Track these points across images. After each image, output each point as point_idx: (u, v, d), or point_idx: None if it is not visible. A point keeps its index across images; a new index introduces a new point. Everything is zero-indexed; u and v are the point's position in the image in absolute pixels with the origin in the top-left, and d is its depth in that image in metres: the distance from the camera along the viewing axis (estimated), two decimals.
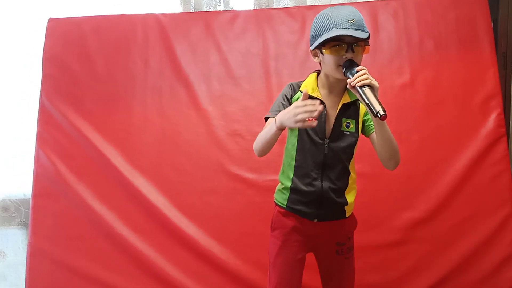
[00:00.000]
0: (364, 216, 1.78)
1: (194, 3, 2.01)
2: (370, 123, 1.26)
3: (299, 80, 1.31)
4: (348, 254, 1.31)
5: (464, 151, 1.83)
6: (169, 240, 1.83)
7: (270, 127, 1.17)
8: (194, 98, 1.92)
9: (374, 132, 1.21)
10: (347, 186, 1.28)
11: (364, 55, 1.84)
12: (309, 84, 1.26)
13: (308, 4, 1.99)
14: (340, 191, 1.26)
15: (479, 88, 1.87)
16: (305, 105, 1.06)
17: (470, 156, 1.82)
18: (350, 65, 1.13)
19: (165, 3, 2.06)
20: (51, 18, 1.97)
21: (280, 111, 1.19)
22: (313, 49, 1.21)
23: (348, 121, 1.24)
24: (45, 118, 1.92)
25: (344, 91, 1.25)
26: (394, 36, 1.91)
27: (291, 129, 1.27)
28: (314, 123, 1.08)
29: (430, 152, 1.83)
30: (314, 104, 1.06)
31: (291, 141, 1.29)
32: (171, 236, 1.83)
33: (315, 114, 1.05)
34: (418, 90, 1.87)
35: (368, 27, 1.86)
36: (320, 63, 1.24)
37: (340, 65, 1.16)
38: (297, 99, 1.23)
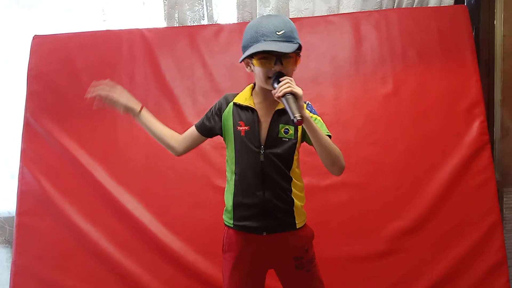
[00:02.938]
0: (352, 227, 1.80)
1: (178, 17, 2.02)
2: None
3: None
4: (309, 267, 1.27)
5: (449, 160, 1.83)
6: (155, 256, 1.81)
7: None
8: (179, 112, 1.92)
9: None
10: (291, 191, 1.25)
11: (347, 65, 1.90)
12: (243, 95, 1.27)
13: (291, 16, 2.00)
14: (285, 197, 1.24)
15: (462, 96, 1.89)
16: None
17: (455, 164, 1.83)
18: (277, 77, 1.13)
19: (150, 18, 2.07)
20: (36, 35, 1.97)
21: (202, 123, 1.31)
22: (243, 60, 1.21)
23: (287, 127, 1.22)
24: (30, 136, 1.91)
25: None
26: (377, 46, 1.93)
27: (228, 142, 1.28)
28: None
29: (416, 161, 1.84)
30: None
31: (229, 155, 1.28)
32: (158, 252, 1.81)
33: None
34: (402, 99, 1.88)
35: (351, 38, 1.94)
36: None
37: (269, 77, 1.16)
38: (229, 111, 1.26)
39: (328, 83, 1.91)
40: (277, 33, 1.13)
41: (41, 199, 1.85)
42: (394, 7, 2.01)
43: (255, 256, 1.25)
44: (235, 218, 1.26)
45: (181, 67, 1.95)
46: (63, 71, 1.94)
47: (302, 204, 1.28)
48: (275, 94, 1.10)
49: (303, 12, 2.00)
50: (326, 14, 2.00)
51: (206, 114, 1.32)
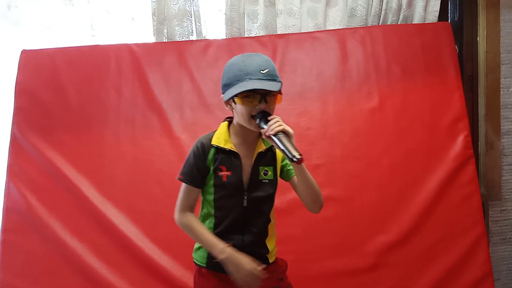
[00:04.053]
0: (337, 242, 1.80)
1: (167, 33, 2.04)
2: (290, 168, 1.25)
3: (210, 132, 1.25)
4: None
5: (434, 174, 1.86)
6: (142, 272, 1.79)
7: (209, 246, 1.18)
8: (167, 126, 1.93)
9: (294, 175, 1.22)
10: (268, 235, 1.25)
11: (334, 81, 1.92)
12: (221, 136, 1.22)
13: (278, 32, 2.03)
14: (261, 242, 1.24)
15: (446, 111, 1.92)
16: (257, 282, 1.11)
17: (440, 179, 1.85)
18: (263, 116, 1.13)
19: (139, 34, 2.09)
20: (24, 50, 1.98)
21: (195, 177, 1.19)
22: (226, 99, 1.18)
23: (266, 168, 1.22)
24: (16, 151, 1.90)
25: (259, 138, 1.24)
26: (362, 62, 1.96)
27: (207, 186, 1.23)
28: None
29: (401, 175, 1.86)
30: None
31: (208, 197, 1.24)
32: (145, 268, 1.79)
33: None
34: (387, 114, 1.91)
35: (336, 54, 1.98)
36: (232, 111, 1.21)
37: (252, 116, 1.14)
38: (212, 156, 1.20)
39: (315, 98, 1.93)
40: (261, 71, 1.12)
41: (27, 215, 1.84)
42: (379, 24, 2.05)
43: None
44: (209, 258, 1.23)
45: (169, 82, 1.96)
46: (51, 86, 1.94)
47: (274, 241, 1.29)
48: (265, 132, 1.10)
49: (290, 28, 2.04)
50: (312, 31, 2.03)
51: (193, 166, 1.21)
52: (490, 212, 2.04)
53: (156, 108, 1.94)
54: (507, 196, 2.05)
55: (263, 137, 1.12)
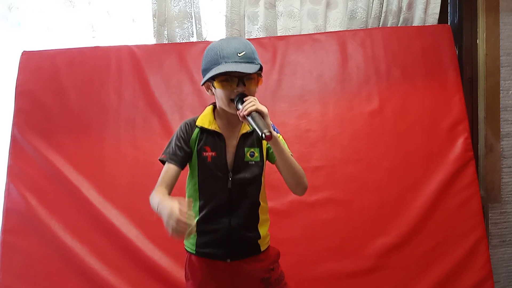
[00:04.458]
0: (337, 244, 1.81)
1: (167, 34, 2.04)
2: None
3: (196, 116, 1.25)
4: (279, 286, 1.26)
5: (434, 177, 1.86)
6: (142, 273, 1.79)
7: (154, 206, 1.09)
8: (167, 128, 1.92)
9: None
10: (259, 219, 1.24)
11: (334, 83, 1.93)
12: (205, 117, 1.22)
13: (279, 34, 2.04)
14: (252, 226, 1.23)
15: (446, 114, 1.92)
16: (177, 222, 0.96)
17: (440, 181, 1.85)
18: (240, 98, 1.12)
19: (139, 35, 2.08)
20: (24, 51, 1.98)
21: (176, 155, 1.16)
22: (204, 83, 1.19)
23: (252, 150, 1.21)
24: (17, 152, 1.90)
25: (242, 121, 1.23)
26: (362, 65, 1.96)
27: (191, 168, 1.23)
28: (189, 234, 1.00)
29: (401, 178, 1.86)
30: (185, 223, 0.97)
31: (192, 181, 1.23)
32: (145, 269, 1.80)
33: (183, 236, 0.97)
34: (386, 117, 1.91)
35: (337, 56, 1.98)
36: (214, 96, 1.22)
37: (231, 99, 1.14)
38: (196, 136, 1.20)
39: (315, 100, 1.93)
40: (238, 54, 1.12)
41: (27, 216, 1.84)
42: (379, 26, 2.05)
43: (219, 283, 1.22)
44: (198, 244, 1.23)
45: (170, 84, 1.97)
46: (51, 87, 1.95)
47: (267, 227, 1.27)
48: (240, 113, 1.10)
49: (290, 30, 2.04)
50: (313, 33, 2.04)
51: (174, 145, 1.20)
52: (489, 215, 2.04)
53: (157, 110, 1.94)
54: (506, 199, 2.05)
55: (241, 119, 1.11)
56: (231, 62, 1.12)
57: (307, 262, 1.78)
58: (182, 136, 1.21)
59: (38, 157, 1.89)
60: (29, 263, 1.81)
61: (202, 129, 1.21)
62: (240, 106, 1.11)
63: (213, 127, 1.21)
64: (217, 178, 1.19)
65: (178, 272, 1.78)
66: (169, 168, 1.19)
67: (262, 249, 1.26)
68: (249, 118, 1.08)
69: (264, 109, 1.09)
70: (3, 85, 2.04)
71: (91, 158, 1.89)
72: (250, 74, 1.13)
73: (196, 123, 1.22)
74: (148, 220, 1.84)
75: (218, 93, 1.17)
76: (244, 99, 1.11)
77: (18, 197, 1.86)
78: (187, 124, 1.23)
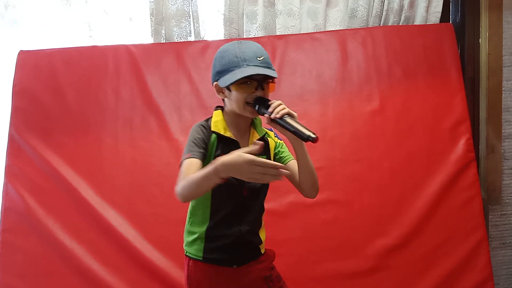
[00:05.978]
0: (337, 244, 1.79)
1: (165, 34, 2.02)
2: (283, 155, 1.25)
3: (204, 119, 1.21)
4: (280, 283, 1.28)
5: (435, 177, 1.84)
6: (141, 274, 1.79)
7: (207, 175, 0.99)
8: (165, 128, 1.91)
9: (287, 163, 1.22)
10: (261, 225, 1.25)
11: (334, 82, 1.90)
12: (219, 123, 1.18)
13: (278, 33, 2.01)
14: (256, 231, 1.25)
15: (448, 114, 1.90)
16: (266, 167, 0.94)
17: (441, 182, 1.83)
18: (262, 102, 1.11)
19: (136, 34, 2.06)
20: (21, 50, 1.96)
21: (197, 151, 1.11)
22: (214, 86, 1.16)
23: (263, 157, 1.17)
24: (14, 152, 1.89)
25: (250, 127, 1.23)
26: (363, 64, 1.94)
27: None
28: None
29: (401, 178, 1.85)
30: (276, 168, 0.94)
31: None
32: (143, 269, 1.79)
33: (279, 178, 0.95)
34: (388, 117, 1.89)
35: (337, 56, 1.95)
36: (223, 100, 1.19)
37: (248, 103, 1.12)
38: (214, 141, 1.16)
39: (315, 100, 1.91)
40: (258, 58, 1.11)
41: (25, 216, 1.83)
42: (380, 25, 2.03)
43: None
44: (205, 251, 1.21)
45: (168, 83, 1.95)
46: (48, 87, 1.93)
47: (264, 232, 1.29)
48: (270, 116, 1.07)
49: (290, 29, 2.01)
50: (312, 31, 2.01)
51: (193, 144, 1.14)
52: (490, 216, 2.03)
53: (154, 109, 1.93)
54: (507, 201, 2.03)
55: (267, 122, 1.09)
56: (253, 65, 1.10)
57: (307, 263, 1.77)
58: (199, 136, 1.16)
59: (36, 156, 1.88)
60: (28, 262, 1.81)
61: (219, 136, 1.17)
62: (264, 110, 1.09)
63: (228, 134, 1.18)
64: (232, 186, 1.16)
65: (176, 272, 1.78)
66: (192, 162, 1.11)
67: (262, 251, 1.28)
68: (282, 122, 1.06)
69: (295, 113, 1.09)
70: (0, 85, 2.03)
71: (89, 157, 1.87)
72: (268, 78, 1.12)
73: (212, 129, 1.18)
74: (146, 220, 1.84)
75: (234, 96, 1.14)
76: (269, 103, 1.09)
77: (16, 197, 1.85)
78: (203, 127, 1.18)
